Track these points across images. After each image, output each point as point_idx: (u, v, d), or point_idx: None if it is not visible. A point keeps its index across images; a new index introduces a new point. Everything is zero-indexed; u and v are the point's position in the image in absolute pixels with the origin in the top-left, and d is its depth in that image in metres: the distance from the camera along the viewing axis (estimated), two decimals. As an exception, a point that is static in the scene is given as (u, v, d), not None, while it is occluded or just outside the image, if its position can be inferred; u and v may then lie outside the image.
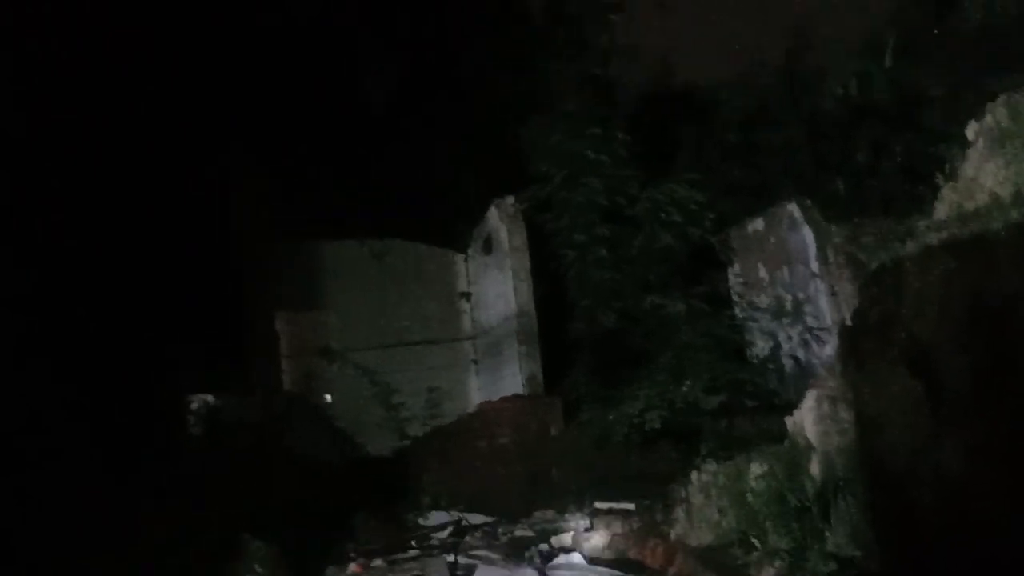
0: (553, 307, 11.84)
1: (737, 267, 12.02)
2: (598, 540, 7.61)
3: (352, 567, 7.76)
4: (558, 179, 12.00)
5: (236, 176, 11.03)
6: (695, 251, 12.05)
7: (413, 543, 8.65)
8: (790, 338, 10.95)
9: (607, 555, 7.22)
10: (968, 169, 4.83)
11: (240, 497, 7.87)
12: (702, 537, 6.85)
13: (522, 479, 10.35)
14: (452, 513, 9.55)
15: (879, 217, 10.48)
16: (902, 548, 4.90)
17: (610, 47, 13.76)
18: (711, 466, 7.10)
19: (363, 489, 9.62)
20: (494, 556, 7.47)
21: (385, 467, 10.40)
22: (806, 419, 5.93)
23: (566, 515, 9.26)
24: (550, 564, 7.03)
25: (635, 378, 10.61)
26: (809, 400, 5.94)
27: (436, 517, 9.58)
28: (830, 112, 13.65)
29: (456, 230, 13.16)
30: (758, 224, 11.59)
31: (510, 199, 12.08)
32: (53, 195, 7.09)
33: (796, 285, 10.91)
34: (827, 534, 5.50)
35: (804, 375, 9.92)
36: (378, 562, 7.88)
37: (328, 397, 11.93)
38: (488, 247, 12.50)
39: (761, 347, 11.37)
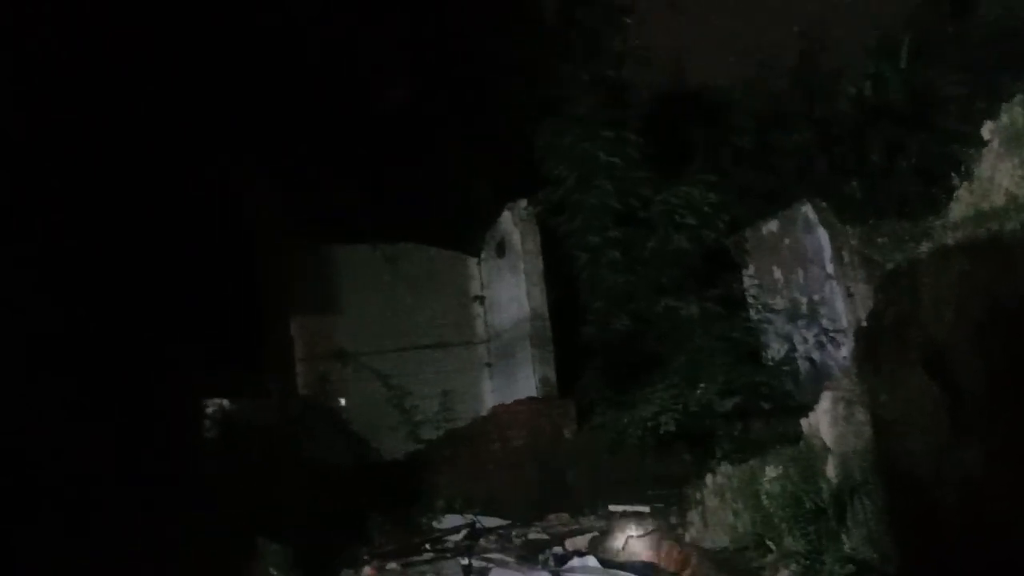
0: (566, 310, 11.81)
1: (751, 269, 11.97)
2: (612, 543, 7.59)
3: (367, 570, 7.79)
4: (571, 182, 11.99)
5: (249, 180, 11.09)
6: (709, 253, 12.01)
7: (427, 546, 8.67)
8: (805, 340, 10.90)
9: (621, 558, 7.20)
10: (984, 169, 4.80)
11: (256, 500, 7.91)
12: (717, 540, 6.83)
13: (536, 482, 10.35)
14: (466, 516, 9.56)
15: (894, 218, 10.43)
16: (921, 550, 4.87)
17: (623, 49, 13.73)
18: (726, 468, 7.08)
19: (377, 492, 9.64)
20: (508, 559, 7.47)
21: (399, 470, 10.41)
22: (822, 421, 5.91)
23: (580, 518, 9.27)
24: (564, 567, 7.01)
25: (649, 381, 10.59)
26: (825, 402, 5.91)
27: (450, 520, 9.59)
28: (844, 113, 13.58)
29: (469, 233, 13.16)
30: (772, 226, 11.54)
31: (523, 202, 12.07)
32: (75, 202, 7.14)
33: (811, 287, 10.86)
34: (843, 536, 5.48)
35: (819, 377, 9.86)
36: (392, 565, 7.90)
37: (342, 400, 11.95)
38: (501, 250, 12.49)
39: (776, 349, 11.32)
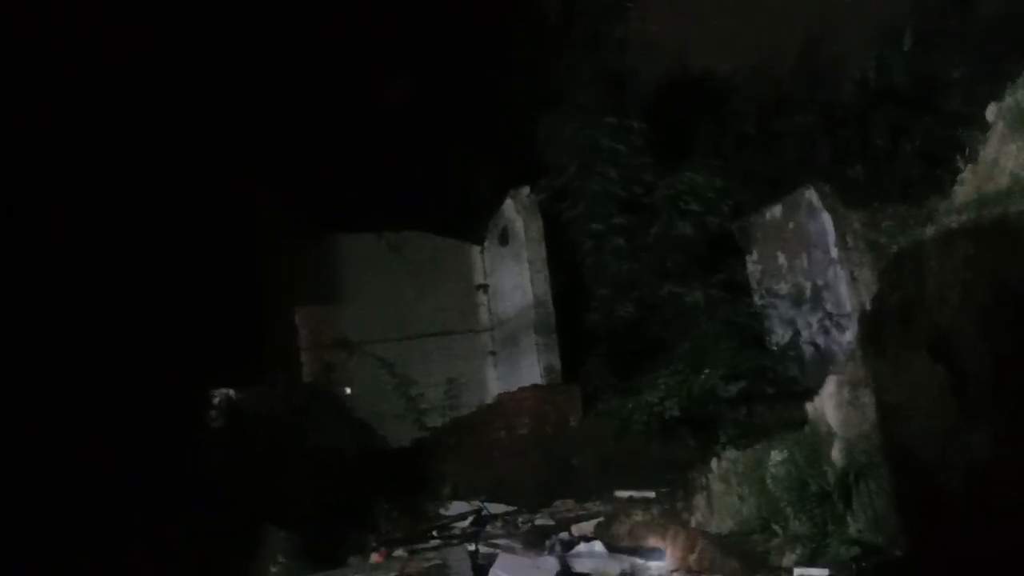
0: (570, 297, 11.81)
1: (755, 254, 11.94)
2: (618, 528, 7.62)
3: (374, 557, 7.82)
4: (573, 169, 11.97)
5: (253, 170, 11.08)
6: (713, 239, 11.99)
7: (434, 533, 8.70)
8: (810, 325, 10.89)
9: (627, 543, 7.23)
10: (988, 152, 4.78)
11: (262, 489, 7.95)
12: (722, 524, 6.86)
13: (542, 468, 10.37)
14: (472, 503, 9.59)
15: (898, 202, 10.38)
16: (926, 533, 4.89)
17: (625, 38, 13.68)
18: (731, 453, 7.10)
19: (383, 480, 9.68)
20: (515, 545, 7.48)
21: (405, 458, 10.45)
22: (827, 405, 5.92)
23: (586, 504, 9.28)
24: (570, 552, 7.03)
25: (654, 367, 10.60)
26: (829, 386, 5.92)
27: (456, 507, 9.62)
28: (848, 97, 13.52)
29: (472, 222, 13.15)
30: (776, 211, 11.51)
31: (526, 190, 12.05)
32: (74, 202, 7.14)
33: (815, 271, 10.83)
34: (849, 520, 5.50)
35: (824, 362, 9.86)
36: (399, 552, 7.93)
37: (348, 389, 11.99)
38: (504, 238, 12.49)
39: (780, 334, 11.31)
